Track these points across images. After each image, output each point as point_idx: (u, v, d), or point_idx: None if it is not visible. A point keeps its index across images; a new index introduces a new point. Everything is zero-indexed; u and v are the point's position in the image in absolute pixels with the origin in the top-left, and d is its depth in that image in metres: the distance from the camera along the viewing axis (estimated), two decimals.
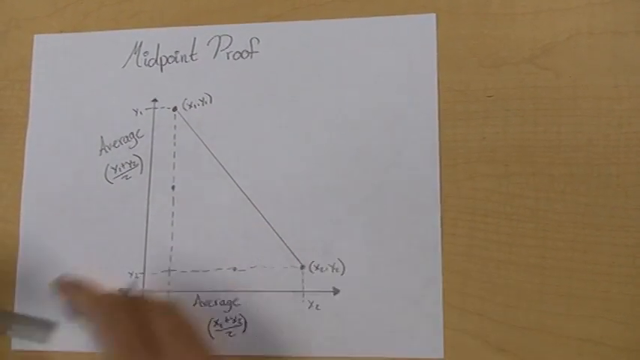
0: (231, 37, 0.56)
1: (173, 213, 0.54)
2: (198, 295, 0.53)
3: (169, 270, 0.53)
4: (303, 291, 0.51)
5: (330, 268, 0.51)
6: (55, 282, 0.47)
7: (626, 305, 0.48)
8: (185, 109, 0.56)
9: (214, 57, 0.56)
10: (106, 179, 0.56)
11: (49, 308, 0.51)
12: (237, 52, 0.56)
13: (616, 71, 0.51)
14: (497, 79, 0.52)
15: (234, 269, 0.53)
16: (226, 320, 0.52)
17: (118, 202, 0.55)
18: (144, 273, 0.53)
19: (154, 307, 0.44)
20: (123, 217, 0.55)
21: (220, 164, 0.54)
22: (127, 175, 0.55)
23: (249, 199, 0.53)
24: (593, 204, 0.50)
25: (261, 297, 0.52)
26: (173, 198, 0.54)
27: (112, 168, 0.56)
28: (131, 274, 0.53)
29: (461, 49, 0.53)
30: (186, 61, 0.57)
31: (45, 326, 0.50)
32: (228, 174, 0.54)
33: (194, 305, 0.52)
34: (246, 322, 0.52)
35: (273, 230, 0.53)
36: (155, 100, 0.56)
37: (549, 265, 0.49)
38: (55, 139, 0.57)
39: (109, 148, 0.56)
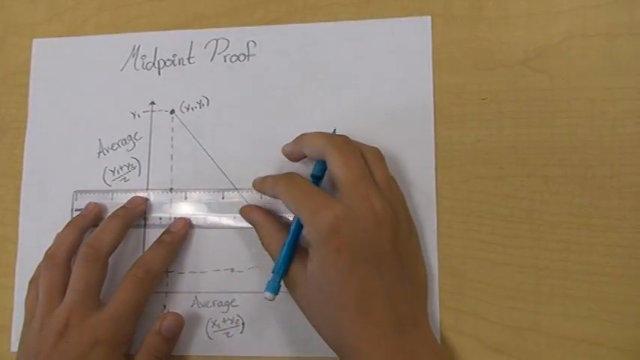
0: (228, 40, 0.57)
1: (171, 216, 0.54)
2: (196, 296, 0.53)
3: (167, 271, 0.53)
4: None
5: None
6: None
7: (620, 305, 0.49)
8: (182, 112, 0.56)
9: (211, 60, 0.56)
10: (105, 182, 0.56)
11: None
12: (234, 55, 0.56)
13: (609, 73, 0.51)
14: (492, 81, 0.52)
15: (232, 270, 0.53)
16: (224, 321, 0.52)
17: (116, 204, 0.55)
18: None
19: (369, 153, 0.49)
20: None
21: (218, 167, 0.54)
22: (125, 178, 0.56)
23: (246, 200, 0.53)
24: (587, 205, 0.50)
25: (259, 298, 0.52)
26: (171, 200, 0.54)
27: (111, 170, 0.56)
28: None
29: (456, 52, 0.53)
30: (183, 65, 0.57)
31: None
32: (226, 176, 0.54)
33: (192, 306, 0.53)
34: (243, 323, 0.52)
35: None
36: (153, 103, 0.56)
37: (544, 266, 0.50)
38: (54, 142, 0.57)
39: (107, 151, 0.56)
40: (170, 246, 0.52)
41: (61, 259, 0.51)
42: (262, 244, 0.50)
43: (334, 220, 0.44)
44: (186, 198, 0.54)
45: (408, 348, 0.44)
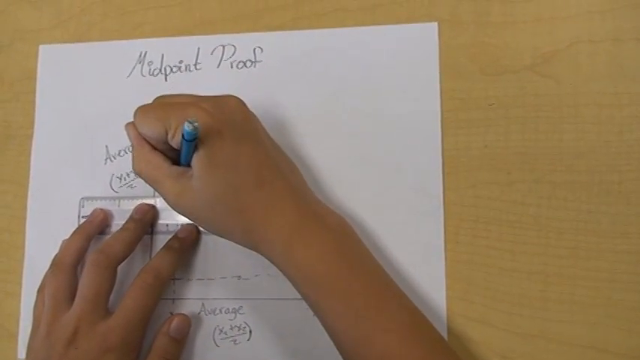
0: (234, 46, 0.57)
1: (178, 222, 0.54)
2: (203, 304, 0.53)
3: (174, 278, 0.53)
4: None
5: None
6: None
7: (628, 312, 0.48)
8: None
9: (218, 66, 0.57)
10: (112, 188, 0.56)
11: None
12: (240, 61, 0.56)
13: (616, 78, 0.51)
14: (499, 87, 0.52)
15: (239, 277, 0.53)
16: (231, 328, 0.52)
17: (123, 210, 0.55)
18: None
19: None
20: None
21: None
22: (131, 185, 0.56)
23: None
24: (594, 211, 0.50)
25: (266, 305, 0.52)
26: None
27: (117, 177, 0.56)
28: None
29: (462, 58, 0.53)
30: (190, 71, 0.57)
31: None
32: None
33: (199, 313, 0.53)
34: (250, 330, 0.52)
35: None
36: None
37: (552, 272, 0.50)
38: (61, 149, 0.57)
39: (114, 158, 0.56)
40: (179, 252, 0.52)
41: (68, 266, 0.51)
42: (133, 165, 0.48)
43: (204, 111, 0.44)
44: None
45: (312, 209, 0.47)
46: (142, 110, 0.47)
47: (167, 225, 0.54)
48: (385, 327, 0.43)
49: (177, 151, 0.46)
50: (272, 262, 0.46)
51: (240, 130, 0.46)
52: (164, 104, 0.47)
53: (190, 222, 0.53)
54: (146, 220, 0.53)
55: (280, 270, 0.46)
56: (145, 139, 0.47)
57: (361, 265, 0.46)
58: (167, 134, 0.45)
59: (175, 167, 0.46)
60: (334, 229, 0.47)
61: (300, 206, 0.46)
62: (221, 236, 0.47)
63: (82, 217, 0.55)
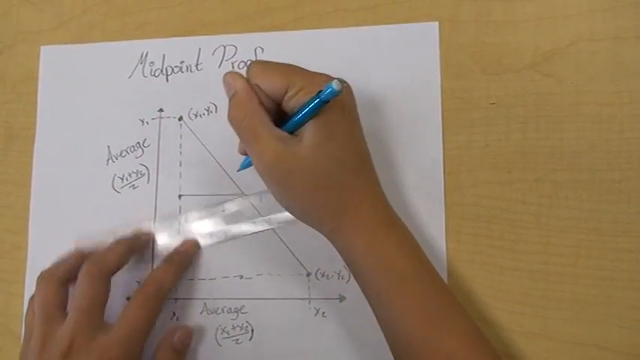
0: (235, 46, 0.57)
1: (180, 222, 0.54)
2: (205, 303, 0.53)
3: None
4: (309, 298, 0.52)
5: (335, 276, 0.52)
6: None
7: (629, 310, 0.49)
8: (191, 119, 0.56)
9: (219, 67, 0.57)
10: (114, 189, 0.56)
11: None
12: (241, 61, 0.56)
13: (617, 77, 0.51)
14: (500, 86, 0.52)
15: (241, 277, 0.53)
16: (233, 328, 0.52)
17: (125, 211, 0.55)
18: None
19: None
20: (130, 226, 0.55)
21: (226, 173, 0.55)
22: (134, 185, 0.56)
23: (254, 207, 0.54)
24: (595, 209, 0.50)
25: (268, 304, 0.52)
26: (180, 207, 0.55)
27: (119, 177, 0.56)
28: (139, 283, 0.54)
29: (463, 57, 0.53)
30: (191, 71, 0.57)
31: None
32: (234, 182, 0.54)
33: (201, 313, 0.53)
34: (253, 330, 0.52)
35: (279, 238, 0.53)
36: (161, 110, 0.57)
37: (553, 271, 0.50)
38: (63, 150, 0.57)
39: (116, 158, 0.57)
40: (179, 265, 0.53)
41: (56, 277, 0.49)
42: (232, 113, 0.45)
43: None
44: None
45: (389, 204, 0.47)
46: (262, 63, 0.45)
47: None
48: (455, 331, 0.43)
49: (279, 116, 0.44)
50: (347, 249, 0.45)
51: (353, 111, 0.46)
52: (283, 64, 0.45)
53: (191, 237, 0.54)
54: (142, 240, 0.54)
55: (352, 258, 0.45)
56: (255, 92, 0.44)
57: (433, 269, 0.46)
58: (286, 93, 0.43)
59: (279, 130, 0.44)
60: (409, 230, 0.47)
61: (386, 202, 0.46)
62: (297, 211, 0.46)
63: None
